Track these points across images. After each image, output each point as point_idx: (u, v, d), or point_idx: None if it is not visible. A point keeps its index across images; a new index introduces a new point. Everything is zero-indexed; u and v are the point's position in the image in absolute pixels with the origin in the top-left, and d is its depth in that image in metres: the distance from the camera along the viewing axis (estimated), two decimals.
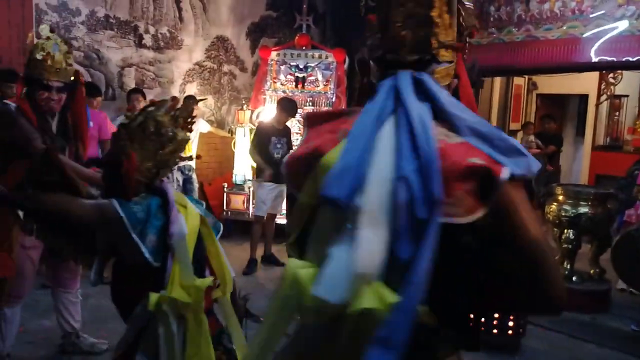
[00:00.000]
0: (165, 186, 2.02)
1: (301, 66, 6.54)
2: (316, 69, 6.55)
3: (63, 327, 3.38)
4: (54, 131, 2.93)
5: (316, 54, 6.61)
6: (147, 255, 1.84)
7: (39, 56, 2.78)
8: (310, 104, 6.56)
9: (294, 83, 6.57)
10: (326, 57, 6.58)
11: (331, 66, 6.54)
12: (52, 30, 2.93)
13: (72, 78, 2.94)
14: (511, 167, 1.00)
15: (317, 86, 6.56)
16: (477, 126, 1.08)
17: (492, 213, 0.99)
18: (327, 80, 6.53)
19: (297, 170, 1.18)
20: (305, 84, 6.55)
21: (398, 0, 1.15)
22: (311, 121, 1.27)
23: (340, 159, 1.05)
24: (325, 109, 6.48)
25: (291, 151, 1.27)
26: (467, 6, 1.25)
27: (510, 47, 6.05)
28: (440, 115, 1.10)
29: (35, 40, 2.83)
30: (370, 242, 0.97)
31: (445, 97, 1.13)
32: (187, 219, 1.97)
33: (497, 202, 0.99)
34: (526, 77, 8.72)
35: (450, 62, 1.19)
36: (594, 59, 5.52)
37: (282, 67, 6.59)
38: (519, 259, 1.03)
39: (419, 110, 1.07)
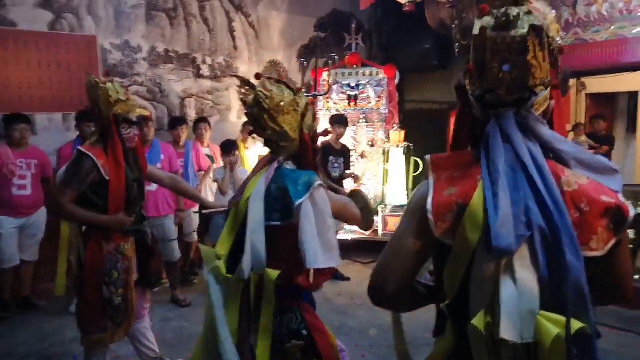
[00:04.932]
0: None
1: (353, 84, 6.70)
2: (367, 86, 6.69)
3: (147, 356, 3.45)
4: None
5: (367, 72, 6.74)
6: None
7: (122, 97, 2.96)
8: (364, 120, 6.70)
9: (346, 101, 6.72)
10: (377, 74, 6.70)
11: (382, 82, 6.67)
12: (107, 74, 3.12)
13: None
14: (616, 187, 1.21)
15: (370, 102, 6.70)
16: (578, 155, 1.24)
17: (618, 242, 1.19)
18: (379, 97, 6.67)
19: (445, 218, 1.23)
20: (358, 102, 6.70)
21: (494, 47, 1.20)
22: (437, 165, 1.30)
23: (496, 210, 1.14)
24: (379, 123, 6.65)
25: (431, 197, 1.26)
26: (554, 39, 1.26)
27: None
28: (547, 150, 1.24)
29: (102, 85, 3.04)
30: (528, 282, 1.13)
31: (547, 133, 1.24)
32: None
33: (623, 234, 1.18)
34: (575, 78, 8.65)
35: (547, 88, 1.25)
36: None
37: (335, 87, 6.74)
38: (613, 278, 1.26)
39: (535, 156, 1.20)
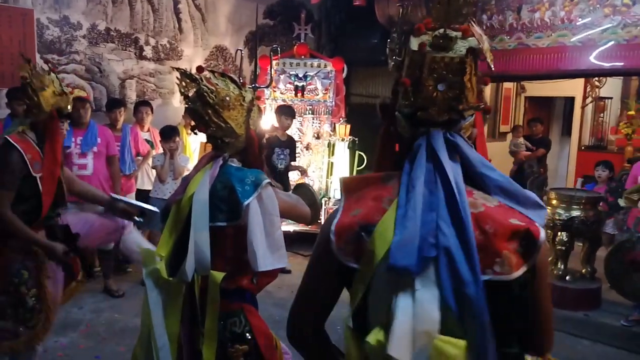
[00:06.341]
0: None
1: (300, 75, 6.62)
2: (315, 77, 6.63)
3: None
4: None
5: (315, 63, 6.68)
6: None
7: (65, 89, 2.83)
8: (310, 112, 6.66)
9: (293, 92, 6.65)
10: (325, 66, 6.66)
11: (330, 75, 6.63)
12: (51, 70, 2.89)
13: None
14: (537, 221, 1.17)
15: (317, 94, 6.65)
16: (504, 185, 1.22)
17: (531, 270, 1.15)
18: (326, 89, 6.62)
19: (347, 239, 1.22)
20: (305, 93, 6.64)
21: (431, 65, 1.20)
22: (348, 187, 1.30)
23: (401, 229, 1.13)
24: (325, 116, 6.64)
25: (337, 219, 1.25)
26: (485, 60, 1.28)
27: (503, 55, 6.18)
28: (471, 175, 1.23)
29: (48, 75, 2.79)
30: (428, 303, 1.10)
31: (474, 156, 1.24)
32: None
33: (535, 260, 1.15)
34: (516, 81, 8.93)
35: (472, 115, 1.27)
36: (582, 67, 5.74)
37: (282, 76, 6.65)
38: (532, 314, 1.22)
39: (455, 175, 1.18)
